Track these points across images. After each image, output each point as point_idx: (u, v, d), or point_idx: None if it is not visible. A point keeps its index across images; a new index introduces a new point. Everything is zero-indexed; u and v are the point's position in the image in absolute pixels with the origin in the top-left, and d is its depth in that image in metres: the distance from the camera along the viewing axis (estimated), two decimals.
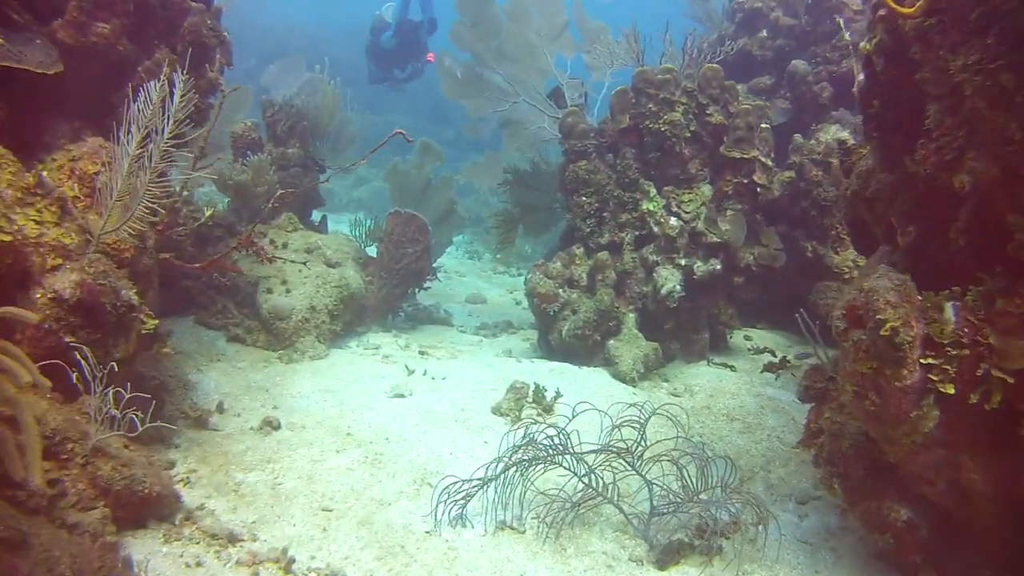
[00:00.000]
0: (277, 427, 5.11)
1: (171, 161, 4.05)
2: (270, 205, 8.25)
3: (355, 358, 6.97)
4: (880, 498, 3.60)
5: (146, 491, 3.63)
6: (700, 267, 6.60)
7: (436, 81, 8.92)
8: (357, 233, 8.67)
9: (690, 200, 6.72)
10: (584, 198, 6.86)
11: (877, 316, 2.89)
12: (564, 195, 7.49)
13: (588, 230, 6.89)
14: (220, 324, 7.07)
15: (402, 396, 5.88)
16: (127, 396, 3.66)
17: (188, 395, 5.44)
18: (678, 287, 6.48)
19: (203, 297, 7.14)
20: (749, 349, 7.69)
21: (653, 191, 6.72)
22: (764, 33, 9.51)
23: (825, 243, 7.63)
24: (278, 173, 8.24)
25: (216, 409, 5.31)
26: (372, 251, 8.47)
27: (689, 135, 6.66)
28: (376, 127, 20.32)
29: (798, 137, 7.57)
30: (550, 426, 4.41)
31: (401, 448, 4.95)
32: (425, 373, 6.44)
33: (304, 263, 7.40)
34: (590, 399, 5.96)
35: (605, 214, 6.90)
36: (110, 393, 3.60)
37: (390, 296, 8.03)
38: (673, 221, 6.55)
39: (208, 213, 5.91)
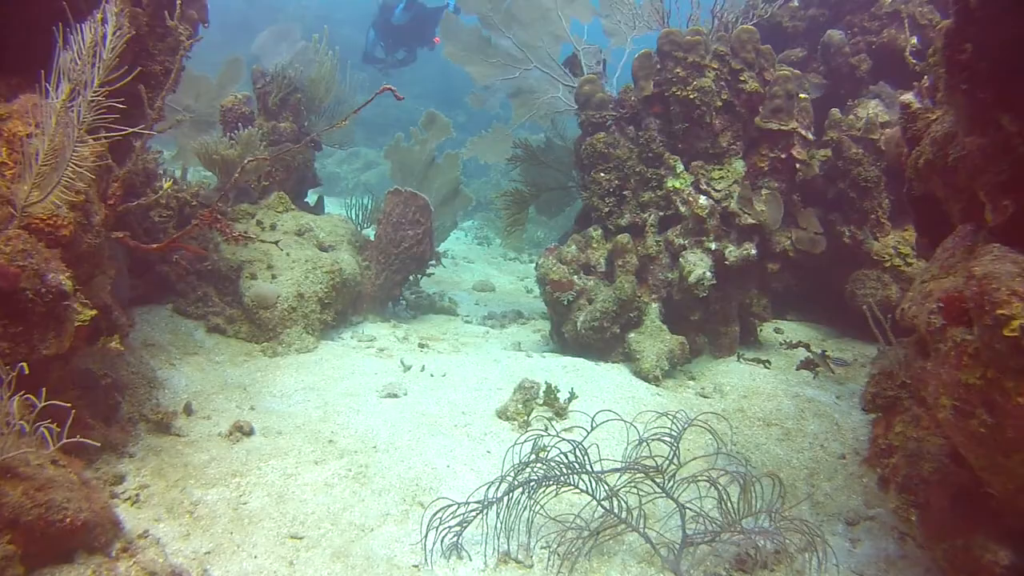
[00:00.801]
0: (249, 433, 4.46)
1: (106, 117, 3.35)
2: (258, 183, 7.64)
3: (347, 351, 6.31)
4: (970, 535, 2.89)
5: (68, 520, 2.95)
6: (732, 252, 5.90)
7: (447, 65, 8.24)
8: (355, 215, 7.97)
9: (721, 177, 6.01)
10: (603, 174, 6.16)
11: (998, 311, 2.17)
12: (580, 172, 6.79)
13: (607, 210, 6.19)
14: (199, 313, 6.45)
15: (395, 396, 5.22)
16: (67, 399, 2.99)
17: (153, 394, 4.80)
18: (708, 274, 5.77)
19: (182, 284, 6.52)
20: (782, 344, 6.99)
21: (680, 167, 6.01)
22: (795, 2, 8.85)
23: (864, 227, 6.90)
24: (269, 149, 7.59)
25: (183, 411, 4.67)
26: (372, 234, 7.80)
27: (720, 104, 5.94)
28: (387, 110, 19.80)
29: (836, 112, 6.84)
30: (563, 435, 3.74)
31: (390, 459, 4.27)
32: (423, 369, 5.77)
33: (281, 248, 6.72)
34: (609, 401, 5.29)
35: (626, 192, 6.20)
36: (38, 399, 2.93)
37: (389, 282, 7.36)
38: (703, 200, 5.84)
39: (167, 184, 5.21)
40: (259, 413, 4.83)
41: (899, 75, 7.77)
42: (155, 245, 4.63)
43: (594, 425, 3.65)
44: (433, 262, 8.05)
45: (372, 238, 7.55)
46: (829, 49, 8.12)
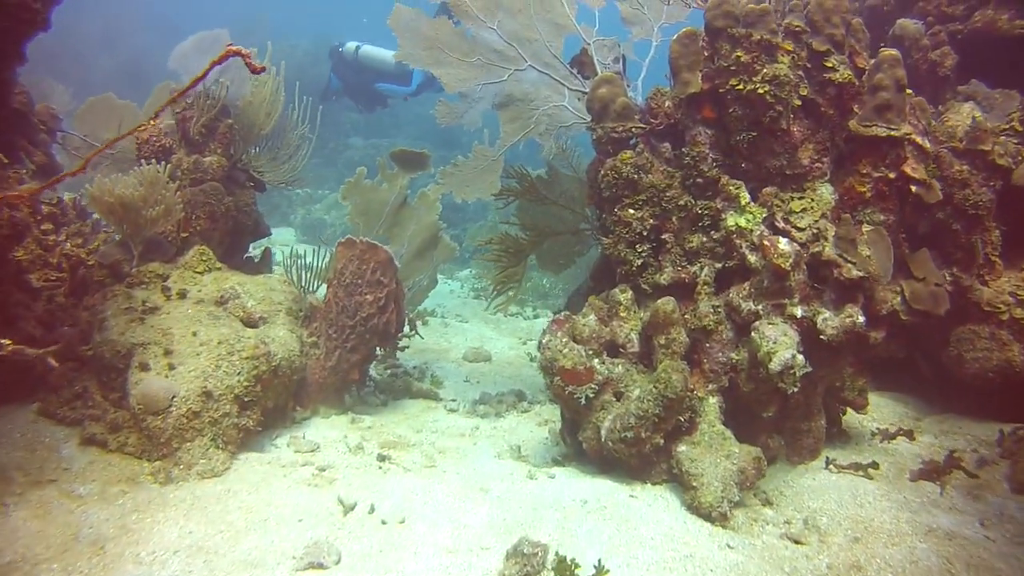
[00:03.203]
0: None
1: None
2: (176, 235, 5.79)
3: (271, 474, 4.41)
4: None
5: None
6: (829, 321, 3.96)
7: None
8: (300, 273, 6.06)
9: (804, 209, 4.10)
10: (631, 211, 4.25)
11: None
12: (597, 209, 4.91)
13: (639, 263, 4.27)
14: (75, 417, 4.74)
15: (320, 568, 3.30)
16: None
17: None
18: (798, 357, 3.82)
19: (55, 375, 4.75)
20: (875, 433, 5.07)
21: (745, 196, 4.09)
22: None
23: (969, 269, 4.99)
24: (188, 190, 5.75)
25: None
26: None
27: (799, 103, 4.04)
28: (380, 148, 18.05)
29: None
30: None
31: None
32: (372, 511, 3.85)
33: (191, 324, 4.83)
34: (656, 570, 3.38)
35: (665, 236, 4.29)
36: None
37: (343, 364, 5.46)
38: (783, 245, 3.91)
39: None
40: None
41: (996, 70, 6.01)
42: None
43: None
44: (408, 331, 6.15)
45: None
46: (902, 43, 6.32)
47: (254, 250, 6.71)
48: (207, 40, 6.08)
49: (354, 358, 5.50)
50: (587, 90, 4.95)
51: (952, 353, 5.09)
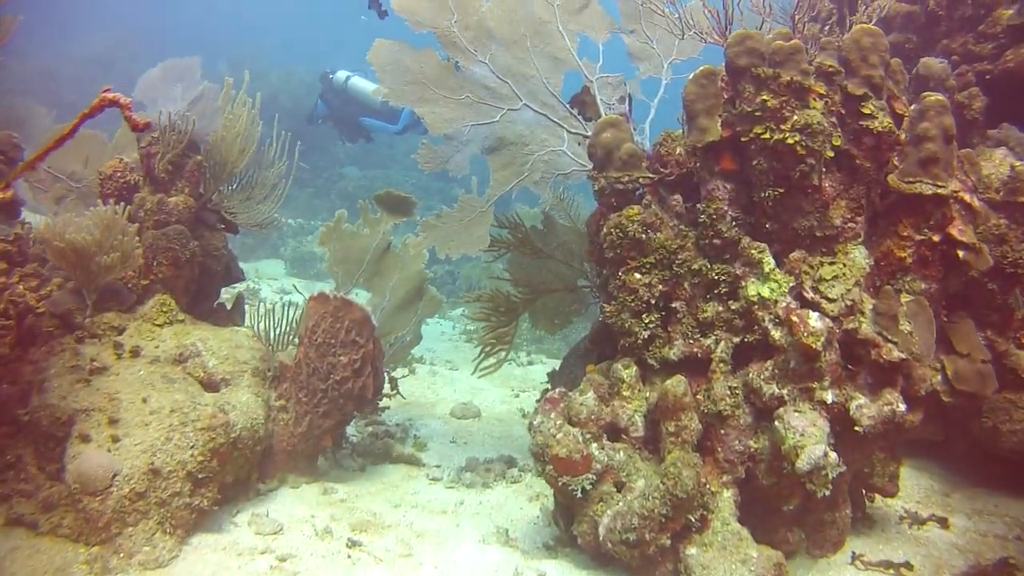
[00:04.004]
0: None
1: None
2: (136, 282, 5.27)
3: (223, 566, 3.86)
4: None
5: None
6: (866, 410, 3.41)
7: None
8: (269, 327, 5.50)
9: (835, 276, 3.56)
10: (637, 275, 3.70)
11: None
12: (597, 266, 4.39)
13: (645, 335, 3.73)
14: (2, 493, 4.16)
15: None
16: None
17: None
18: (831, 455, 3.27)
19: None
20: (903, 518, 4.52)
21: (769, 261, 3.55)
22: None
23: (1005, 332, 4.45)
24: (150, 233, 5.24)
25: None
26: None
27: (832, 153, 3.51)
28: (374, 181, 17.55)
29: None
30: None
31: None
32: None
33: (142, 388, 4.30)
34: None
35: (676, 304, 3.75)
36: None
37: (314, 431, 4.91)
38: (814, 321, 3.36)
39: None
40: None
41: None
42: None
43: None
44: (386, 395, 5.61)
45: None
46: (926, 84, 5.80)
47: (229, 293, 6.20)
48: (177, 69, 5.57)
49: (327, 424, 4.95)
50: (588, 134, 4.44)
51: (986, 424, 4.55)
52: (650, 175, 3.91)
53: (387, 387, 5.87)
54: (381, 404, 5.76)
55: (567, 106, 4.66)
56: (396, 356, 5.81)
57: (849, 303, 3.49)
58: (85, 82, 18.72)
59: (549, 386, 5.37)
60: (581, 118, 4.66)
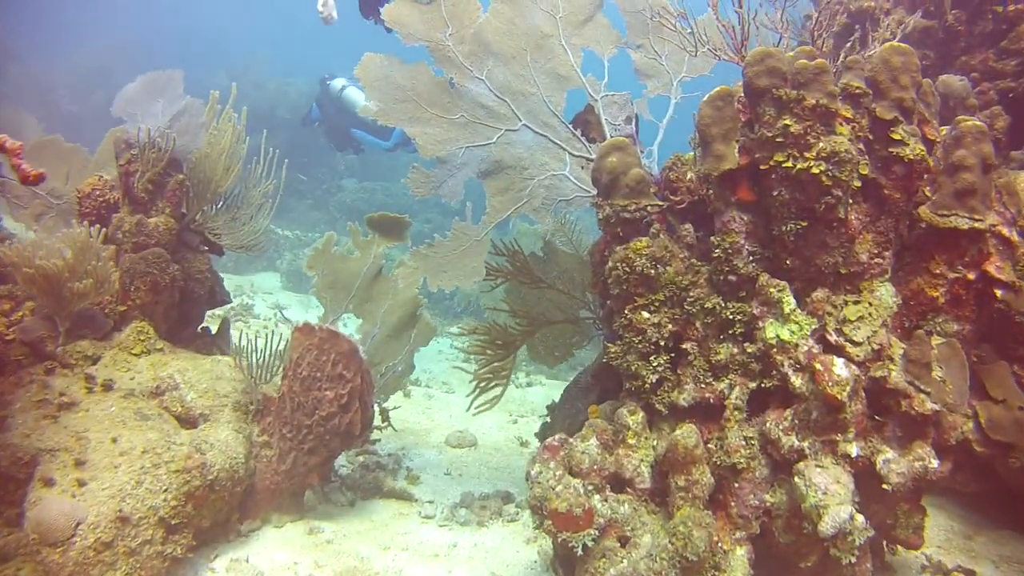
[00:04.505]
0: None
1: None
2: (112, 307, 4.99)
3: None
4: None
5: None
6: (894, 464, 3.10)
7: None
8: (253, 357, 5.18)
9: (860, 316, 3.26)
10: (645, 314, 3.40)
11: None
12: (601, 297, 4.10)
13: (653, 379, 3.42)
14: None
15: None
16: None
17: None
18: (857, 517, 2.96)
19: None
20: (924, 567, 4.22)
21: (789, 301, 3.24)
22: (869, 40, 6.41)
23: None
24: (127, 256, 4.96)
25: None
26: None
27: (859, 183, 3.21)
28: (373, 195, 17.26)
29: None
30: None
31: None
32: None
33: (115, 425, 4.01)
34: None
35: (687, 345, 3.44)
36: None
37: (299, 468, 4.61)
38: (839, 369, 3.05)
39: None
40: None
41: None
42: None
43: None
44: (376, 429, 5.31)
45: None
46: (946, 103, 5.52)
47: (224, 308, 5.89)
48: (159, 82, 5.27)
49: (312, 461, 4.65)
50: (592, 157, 4.14)
51: (1014, 465, 4.25)
52: (659, 203, 3.61)
53: (378, 418, 5.58)
54: (372, 437, 5.45)
55: (569, 127, 4.36)
56: (388, 387, 5.51)
57: (876, 347, 3.18)
58: (84, 92, 18.54)
59: (548, 419, 5.07)
60: (584, 139, 4.35)
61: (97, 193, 5.34)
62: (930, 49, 6.36)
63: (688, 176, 3.75)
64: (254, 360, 4.61)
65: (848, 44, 4.26)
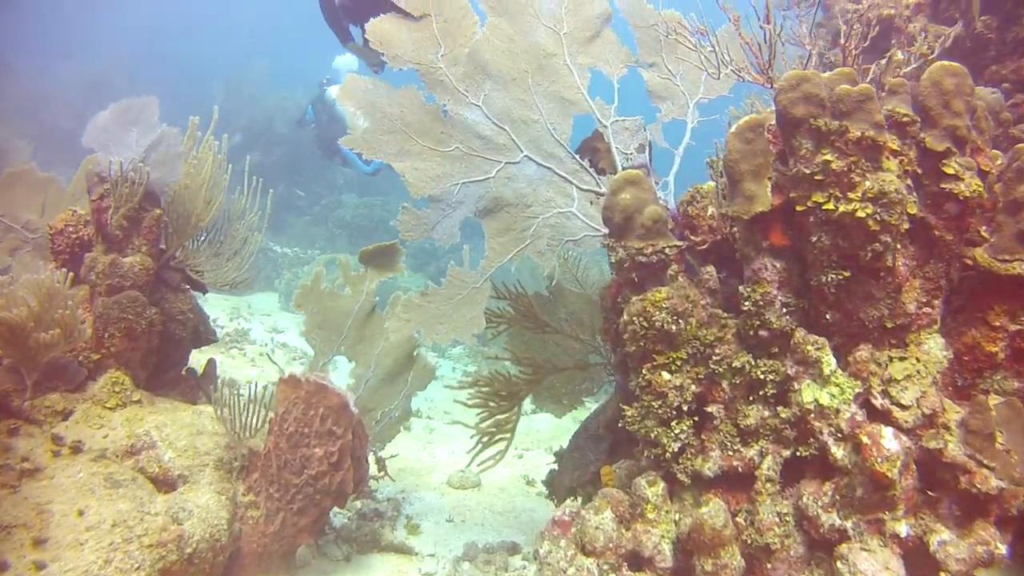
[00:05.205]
0: None
1: None
2: (86, 357, 4.65)
3: None
4: None
5: None
6: (951, 548, 2.70)
7: None
8: (236, 412, 4.79)
9: (907, 375, 2.87)
10: (666, 375, 3.01)
11: None
12: (613, 344, 3.71)
13: (675, 447, 3.04)
14: None
15: None
16: None
17: None
18: None
19: None
20: None
21: (829, 361, 2.85)
22: (899, 55, 6.05)
23: None
24: (100, 300, 4.61)
25: None
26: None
27: (907, 225, 2.82)
28: (373, 209, 16.88)
29: None
30: None
31: None
32: None
33: (82, 493, 3.64)
34: None
35: (712, 408, 3.06)
36: None
37: (288, 530, 4.23)
38: (888, 442, 2.66)
39: None
40: None
41: None
42: None
43: None
44: (370, 484, 4.93)
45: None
46: None
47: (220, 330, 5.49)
48: (132, 111, 4.90)
49: (303, 521, 4.27)
50: (602, 190, 3.76)
51: None
52: (678, 243, 3.23)
53: (374, 467, 5.21)
54: (368, 487, 5.08)
55: (577, 157, 3.94)
56: (384, 434, 5.12)
57: (927, 411, 2.80)
58: (79, 107, 18.22)
59: (556, 466, 4.69)
60: (592, 169, 3.94)
61: (70, 230, 4.99)
62: (957, 58, 5.98)
63: (709, 212, 3.38)
64: (238, 416, 4.19)
65: (883, 61, 3.89)
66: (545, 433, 8.01)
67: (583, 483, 4.38)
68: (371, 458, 5.05)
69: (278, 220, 16.06)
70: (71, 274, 4.65)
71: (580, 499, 4.33)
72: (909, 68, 3.84)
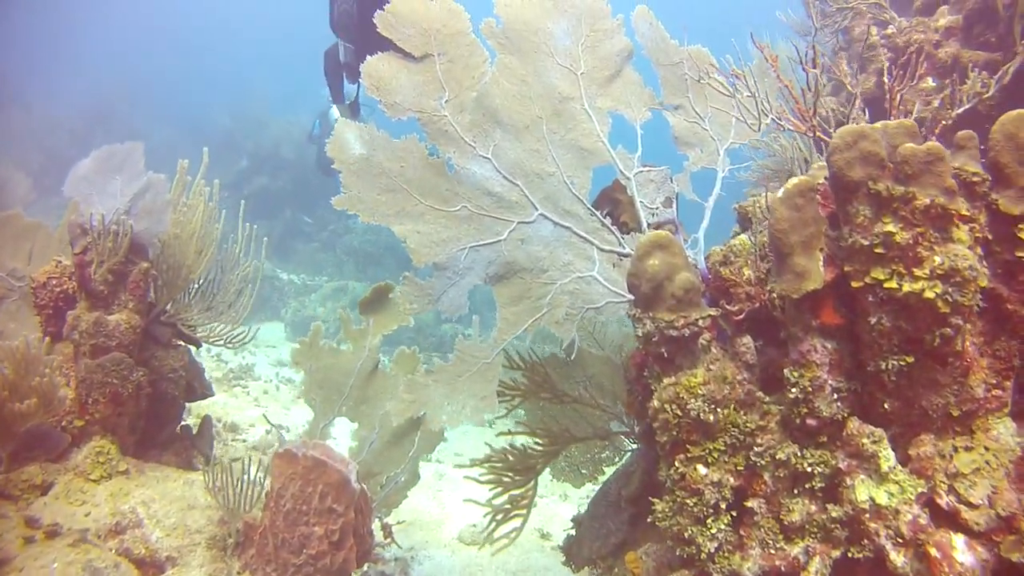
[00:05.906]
0: None
1: None
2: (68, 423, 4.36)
3: None
4: None
5: None
6: None
7: None
8: (228, 486, 4.44)
9: (975, 468, 2.53)
10: (701, 468, 2.67)
11: None
12: (637, 418, 3.38)
13: (711, 547, 2.70)
14: None
15: None
16: None
17: None
18: None
19: None
20: None
21: (887, 456, 2.51)
22: (930, 82, 5.78)
23: None
24: (83, 363, 4.32)
25: None
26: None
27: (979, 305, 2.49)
28: (381, 235, 16.56)
29: None
30: None
31: None
32: None
33: None
34: None
35: (752, 503, 2.72)
36: None
37: None
38: (961, 555, 2.32)
39: None
40: None
41: None
42: None
43: None
44: (384, 540, 4.59)
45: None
46: None
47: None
48: (116, 158, 4.60)
49: None
50: (626, 250, 3.42)
51: None
52: (711, 312, 2.90)
53: (380, 533, 4.87)
54: (375, 552, 4.74)
55: (598, 215, 3.58)
56: (389, 500, 4.79)
57: (1004, 513, 2.45)
58: (85, 135, 18.07)
59: (574, 531, 4.35)
60: (614, 227, 3.60)
61: (53, 283, 4.70)
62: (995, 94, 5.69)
63: (745, 275, 3.04)
64: (231, 491, 3.87)
65: (935, 101, 3.56)
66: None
67: (603, 555, 4.05)
68: (376, 523, 4.73)
69: (284, 247, 15.79)
70: (47, 339, 4.37)
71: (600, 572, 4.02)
72: (962, 109, 3.50)
